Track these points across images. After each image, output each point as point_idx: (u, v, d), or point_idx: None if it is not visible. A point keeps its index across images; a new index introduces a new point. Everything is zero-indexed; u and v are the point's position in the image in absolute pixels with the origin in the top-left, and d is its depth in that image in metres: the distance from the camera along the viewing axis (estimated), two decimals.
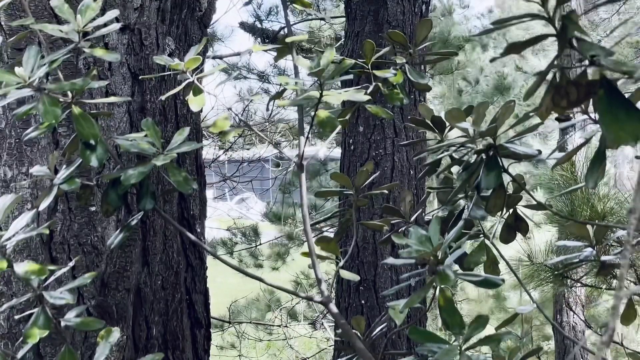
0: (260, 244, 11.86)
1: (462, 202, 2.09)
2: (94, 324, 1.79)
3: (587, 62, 1.15)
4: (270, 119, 11.31)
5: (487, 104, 1.88)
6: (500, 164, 1.79)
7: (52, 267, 1.77)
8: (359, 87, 2.19)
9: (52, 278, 1.82)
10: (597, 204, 4.67)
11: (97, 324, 1.78)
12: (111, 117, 2.45)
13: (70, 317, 1.78)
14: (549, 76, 1.23)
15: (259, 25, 11.12)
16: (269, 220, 12.27)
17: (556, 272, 4.92)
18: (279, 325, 11.56)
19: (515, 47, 1.23)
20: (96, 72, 2.20)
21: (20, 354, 1.78)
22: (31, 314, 1.72)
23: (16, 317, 2.30)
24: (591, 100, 1.23)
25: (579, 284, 5.26)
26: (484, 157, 1.80)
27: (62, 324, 1.76)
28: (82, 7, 1.88)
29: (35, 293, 1.71)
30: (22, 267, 1.65)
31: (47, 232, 1.84)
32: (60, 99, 1.76)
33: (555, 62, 1.21)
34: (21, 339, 1.71)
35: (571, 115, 1.88)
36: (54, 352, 2.30)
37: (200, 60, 2.09)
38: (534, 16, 1.22)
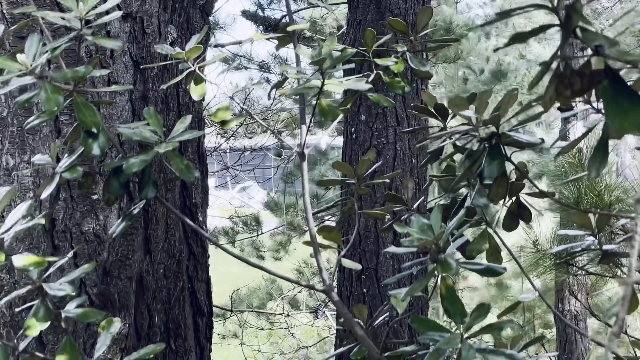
0: (262, 233, 11.88)
1: (464, 190, 2.09)
2: (94, 315, 1.79)
3: (590, 51, 1.15)
4: (271, 108, 11.31)
5: (489, 92, 1.88)
6: (503, 152, 1.79)
7: (52, 258, 1.77)
8: (360, 75, 2.19)
9: (53, 268, 1.82)
10: (603, 193, 4.67)
11: (97, 314, 1.78)
12: (113, 106, 2.46)
13: (71, 308, 1.78)
14: (553, 65, 1.23)
15: (261, 14, 11.13)
16: (270, 209, 12.28)
17: (558, 261, 4.92)
18: (281, 314, 11.59)
19: (520, 37, 1.22)
20: (98, 61, 2.20)
21: (22, 346, 1.78)
22: (32, 304, 1.72)
23: (16, 310, 2.30)
24: (593, 89, 1.23)
25: (581, 272, 5.27)
26: (487, 145, 1.80)
27: (63, 315, 1.76)
28: None
29: (35, 285, 1.71)
30: (21, 260, 1.65)
31: (44, 222, 1.84)
32: (63, 87, 1.76)
33: (559, 52, 1.20)
34: (23, 328, 1.71)
35: (573, 104, 1.88)
36: (56, 340, 2.31)
37: (202, 49, 2.09)
38: (538, 6, 1.22)
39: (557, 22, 1.18)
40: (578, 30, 1.15)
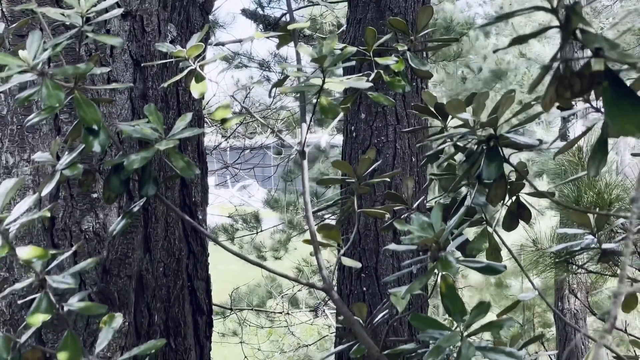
0: (262, 231, 11.88)
1: (464, 189, 2.10)
2: (96, 309, 1.80)
3: (589, 50, 1.15)
4: (271, 107, 11.30)
5: (487, 94, 1.88)
6: (501, 154, 1.79)
7: (54, 251, 1.77)
8: (360, 74, 2.20)
9: (54, 263, 1.83)
10: (603, 191, 4.67)
11: (99, 308, 1.79)
12: (113, 104, 2.46)
13: (73, 302, 1.79)
14: (553, 66, 1.23)
15: (261, 12, 11.13)
16: (270, 207, 12.29)
17: (558, 260, 4.92)
18: (281, 312, 11.59)
19: (521, 40, 1.23)
20: (98, 59, 2.21)
21: (22, 339, 1.79)
22: (33, 300, 1.73)
23: (19, 302, 2.30)
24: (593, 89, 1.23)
25: (581, 271, 5.27)
26: (485, 147, 1.80)
27: (65, 308, 1.76)
28: None
29: (38, 277, 1.71)
30: (25, 251, 1.65)
31: (49, 214, 1.84)
32: (63, 85, 1.77)
33: (559, 54, 1.21)
34: (23, 324, 1.72)
35: (573, 103, 1.88)
36: (55, 339, 2.31)
37: (202, 48, 2.09)
38: (538, 8, 1.22)
39: (557, 23, 1.18)
40: (578, 32, 1.16)
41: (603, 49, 1.10)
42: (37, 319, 1.68)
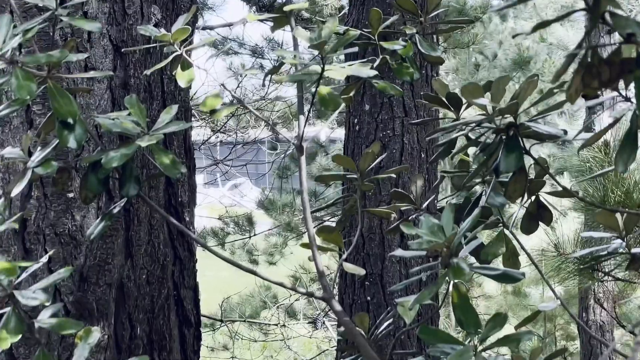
0: (255, 234, 11.87)
1: (478, 188, 2.09)
2: (70, 326, 1.79)
3: (618, 36, 1.15)
4: (266, 97, 11.29)
5: (507, 79, 1.87)
6: (522, 144, 1.79)
7: (25, 264, 1.77)
8: (364, 60, 2.19)
9: (25, 274, 1.82)
10: (632, 190, 4.66)
11: (74, 325, 1.78)
12: (91, 94, 2.45)
13: (45, 318, 1.78)
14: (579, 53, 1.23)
15: None
16: (264, 208, 12.28)
17: (582, 266, 4.92)
18: (276, 324, 11.59)
19: (544, 24, 1.22)
20: (74, 44, 2.20)
21: None
22: (2, 315, 1.72)
23: None
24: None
25: (608, 279, 5.27)
26: (504, 137, 1.80)
27: (36, 325, 1.76)
28: None
29: (6, 292, 1.70)
30: None
31: (17, 226, 1.84)
32: (35, 73, 1.76)
33: (586, 40, 1.20)
34: None
35: (599, 92, 1.87)
36: (27, 353, 2.31)
37: (189, 31, 2.09)
38: None
39: (584, 5, 1.18)
40: (607, 15, 1.15)
41: (636, 34, 1.09)
42: (6, 339, 1.67)
